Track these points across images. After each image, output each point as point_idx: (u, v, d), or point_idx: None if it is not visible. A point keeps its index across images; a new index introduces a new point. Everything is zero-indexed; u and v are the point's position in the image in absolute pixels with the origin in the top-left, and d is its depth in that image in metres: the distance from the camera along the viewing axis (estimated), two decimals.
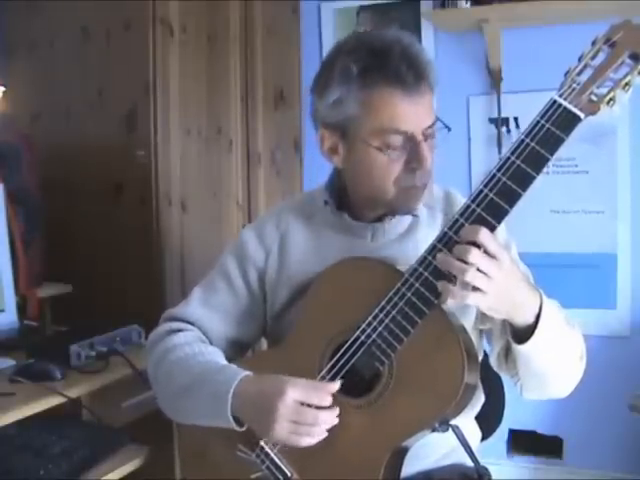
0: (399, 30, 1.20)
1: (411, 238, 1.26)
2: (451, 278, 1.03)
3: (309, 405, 1.10)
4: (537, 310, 1.08)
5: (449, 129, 1.20)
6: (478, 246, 1.01)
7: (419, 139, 1.17)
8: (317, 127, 1.26)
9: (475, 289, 1.01)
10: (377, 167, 1.19)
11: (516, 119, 2.58)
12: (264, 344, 1.73)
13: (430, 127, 1.18)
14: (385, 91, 1.15)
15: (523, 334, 1.09)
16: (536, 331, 1.07)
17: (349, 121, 1.19)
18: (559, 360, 1.16)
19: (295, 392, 1.10)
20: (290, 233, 1.33)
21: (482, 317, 1.24)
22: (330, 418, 1.12)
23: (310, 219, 1.33)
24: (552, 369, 1.17)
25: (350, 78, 1.16)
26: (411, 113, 1.15)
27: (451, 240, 1.06)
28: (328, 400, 1.11)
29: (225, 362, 1.26)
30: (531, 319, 1.08)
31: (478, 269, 1.00)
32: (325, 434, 1.12)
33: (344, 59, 1.17)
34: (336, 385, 1.13)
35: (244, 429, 1.17)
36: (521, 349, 1.10)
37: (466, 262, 1.00)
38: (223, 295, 1.34)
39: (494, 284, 1.01)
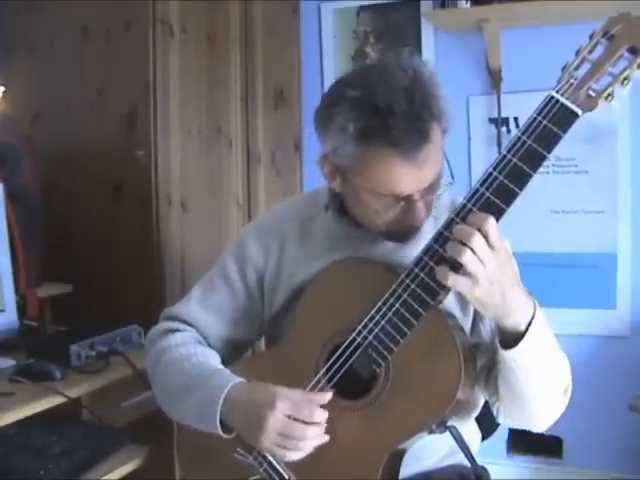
0: (414, 67, 1.10)
1: (412, 247, 1.21)
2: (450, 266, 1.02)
3: (298, 419, 1.10)
4: (529, 319, 1.06)
5: (453, 179, 1.16)
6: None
7: (415, 199, 1.12)
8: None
9: (467, 275, 1.00)
10: (369, 214, 1.16)
11: (516, 119, 2.58)
12: (263, 345, 1.73)
13: (431, 184, 1.12)
14: (383, 154, 1.08)
15: (511, 342, 1.06)
16: (525, 337, 1.05)
17: (345, 168, 1.15)
18: (543, 383, 1.13)
19: (285, 406, 1.10)
20: (290, 235, 1.32)
21: (471, 330, 1.23)
22: (319, 433, 1.12)
23: (311, 222, 1.32)
24: (534, 391, 1.13)
25: (347, 135, 1.09)
26: (409, 177, 1.09)
27: (447, 240, 1.04)
28: (317, 416, 1.11)
29: (219, 365, 1.27)
30: (521, 326, 1.05)
31: (475, 255, 0.99)
32: (311, 449, 1.12)
33: (344, 114, 1.09)
34: (327, 396, 1.13)
35: (231, 436, 1.17)
36: (506, 355, 1.07)
37: (466, 245, 0.99)
38: (222, 295, 1.34)
39: (486, 274, 1.00)
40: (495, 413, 1.22)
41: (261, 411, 1.10)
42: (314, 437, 1.12)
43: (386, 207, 1.13)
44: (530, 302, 1.07)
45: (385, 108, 1.06)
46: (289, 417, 1.10)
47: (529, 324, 1.05)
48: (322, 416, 1.11)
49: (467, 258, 0.99)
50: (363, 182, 1.13)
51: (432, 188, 1.13)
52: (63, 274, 2.01)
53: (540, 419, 1.20)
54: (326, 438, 1.12)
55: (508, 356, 1.07)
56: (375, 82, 1.09)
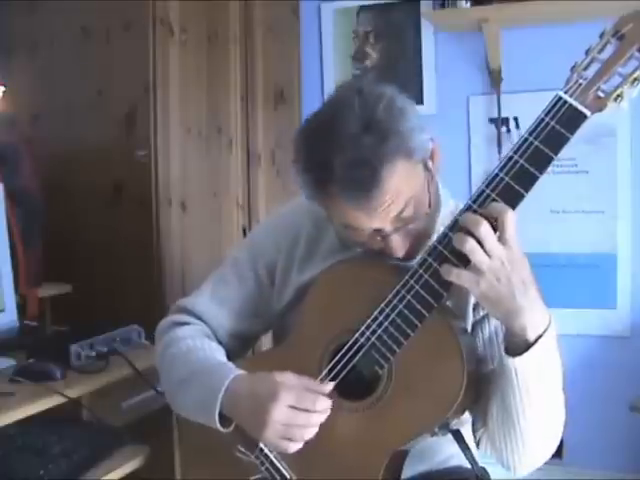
0: (369, 104, 1.05)
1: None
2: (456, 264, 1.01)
3: (301, 409, 1.10)
4: (541, 331, 1.02)
5: (430, 208, 1.13)
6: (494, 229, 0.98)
7: (387, 232, 1.10)
8: None
9: (472, 268, 0.98)
10: (356, 241, 1.16)
11: (516, 119, 2.58)
12: (264, 344, 1.73)
13: (400, 213, 1.08)
14: (335, 202, 1.09)
15: (517, 349, 1.03)
16: (533, 347, 1.01)
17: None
18: (538, 411, 1.08)
19: (288, 396, 1.09)
20: (303, 233, 1.32)
21: None
22: (322, 422, 1.11)
23: (324, 221, 1.31)
24: (527, 417, 1.08)
25: (302, 181, 1.12)
26: (366, 219, 1.07)
27: (452, 241, 1.03)
28: (321, 404, 1.10)
29: (224, 359, 1.26)
30: (530, 333, 1.02)
31: (480, 245, 0.97)
32: (312, 435, 1.11)
33: (296, 162, 1.12)
34: (329, 386, 1.12)
35: (229, 430, 1.17)
36: (509, 364, 1.04)
37: (473, 234, 0.98)
38: (233, 289, 1.34)
39: (492, 267, 0.98)
40: (477, 439, 1.19)
41: (264, 403, 1.09)
42: (317, 425, 1.11)
43: (366, 239, 1.13)
44: (545, 313, 1.04)
45: (323, 163, 1.05)
46: (292, 407, 1.09)
47: (540, 336, 1.02)
48: (325, 404, 1.10)
49: (471, 247, 0.97)
50: (333, 220, 1.16)
51: (405, 219, 1.09)
52: (63, 274, 2.01)
53: (522, 455, 1.14)
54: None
55: (511, 365, 1.04)
56: (320, 132, 1.08)
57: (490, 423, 1.14)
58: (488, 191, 1.02)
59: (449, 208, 1.24)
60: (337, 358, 1.15)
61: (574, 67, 1.01)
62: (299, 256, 1.31)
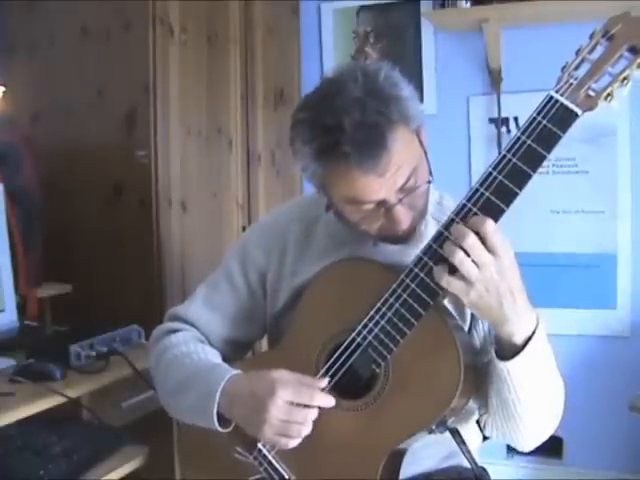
0: (368, 73, 1.08)
1: (415, 247, 1.18)
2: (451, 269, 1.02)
3: (299, 404, 1.10)
4: (528, 334, 1.04)
5: (432, 176, 1.14)
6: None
7: (392, 203, 1.10)
8: None
9: (462, 277, 0.99)
10: (355, 221, 1.16)
11: (516, 119, 2.58)
12: (264, 345, 1.73)
13: (405, 183, 1.09)
14: (341, 170, 1.08)
15: (507, 353, 1.05)
16: (522, 353, 1.03)
17: (318, 185, 1.17)
18: (534, 402, 1.11)
19: (285, 393, 1.10)
20: (293, 236, 1.32)
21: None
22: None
23: (314, 222, 1.32)
24: (524, 408, 1.11)
25: (307, 156, 1.11)
26: (374, 186, 1.08)
27: (446, 240, 1.03)
28: (318, 399, 1.11)
29: (219, 361, 1.27)
30: (517, 338, 1.04)
31: (471, 257, 0.98)
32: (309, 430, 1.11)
33: (300, 136, 1.11)
34: (324, 382, 1.13)
35: (228, 430, 1.17)
36: (500, 366, 1.06)
37: (461, 246, 0.99)
38: (225, 295, 1.34)
39: (482, 277, 0.99)
40: (482, 425, 1.22)
41: (262, 401, 1.10)
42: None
43: (367, 215, 1.13)
44: (532, 318, 1.05)
45: (334, 125, 1.05)
46: (290, 403, 1.10)
47: (529, 339, 1.04)
48: (322, 398, 1.11)
49: (459, 259, 0.99)
50: (336, 196, 1.15)
51: (409, 189, 1.10)
52: (63, 274, 2.01)
53: (526, 437, 1.17)
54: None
55: (502, 367, 1.06)
56: (324, 99, 1.09)
57: (491, 410, 1.16)
58: (482, 190, 1.03)
59: (434, 198, 1.27)
60: (334, 357, 1.15)
61: (565, 67, 1.02)
62: (290, 259, 1.31)
